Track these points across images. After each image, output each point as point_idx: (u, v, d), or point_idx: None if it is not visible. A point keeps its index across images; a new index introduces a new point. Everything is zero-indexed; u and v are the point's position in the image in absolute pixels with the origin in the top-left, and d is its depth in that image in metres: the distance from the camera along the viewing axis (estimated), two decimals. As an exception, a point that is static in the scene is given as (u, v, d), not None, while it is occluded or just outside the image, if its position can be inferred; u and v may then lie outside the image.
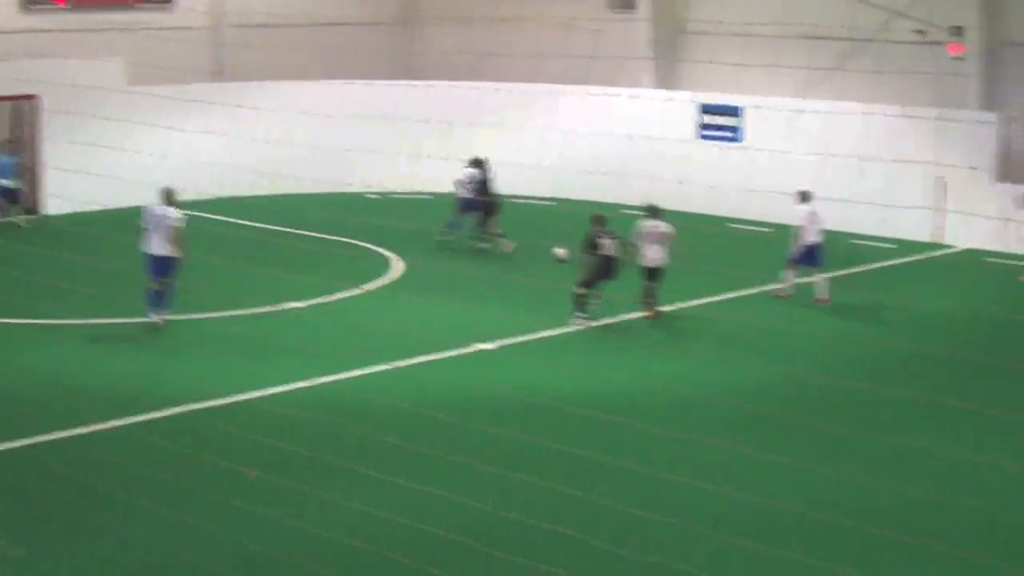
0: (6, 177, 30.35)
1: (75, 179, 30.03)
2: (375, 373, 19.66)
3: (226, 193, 32.20)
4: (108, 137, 30.57)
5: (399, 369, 19.88)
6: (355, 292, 24.74)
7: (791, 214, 25.01)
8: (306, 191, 32.85)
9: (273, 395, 18.49)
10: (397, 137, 33.86)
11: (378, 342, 21.20)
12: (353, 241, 28.84)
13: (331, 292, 24.31)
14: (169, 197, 22.32)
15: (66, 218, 30.81)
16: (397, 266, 26.93)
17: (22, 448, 16.25)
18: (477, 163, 28.96)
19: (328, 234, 29.25)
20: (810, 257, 24.39)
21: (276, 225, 30.29)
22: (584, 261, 22.62)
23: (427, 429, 17.01)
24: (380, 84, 34.46)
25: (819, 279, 24.31)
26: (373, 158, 32.62)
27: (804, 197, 24.76)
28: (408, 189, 34.45)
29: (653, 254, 23.06)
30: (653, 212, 23.57)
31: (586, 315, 22.42)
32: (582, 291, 22.51)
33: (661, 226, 23.28)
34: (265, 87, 34.35)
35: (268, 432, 16.64)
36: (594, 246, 22.58)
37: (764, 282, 24.97)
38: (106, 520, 14.06)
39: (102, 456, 15.92)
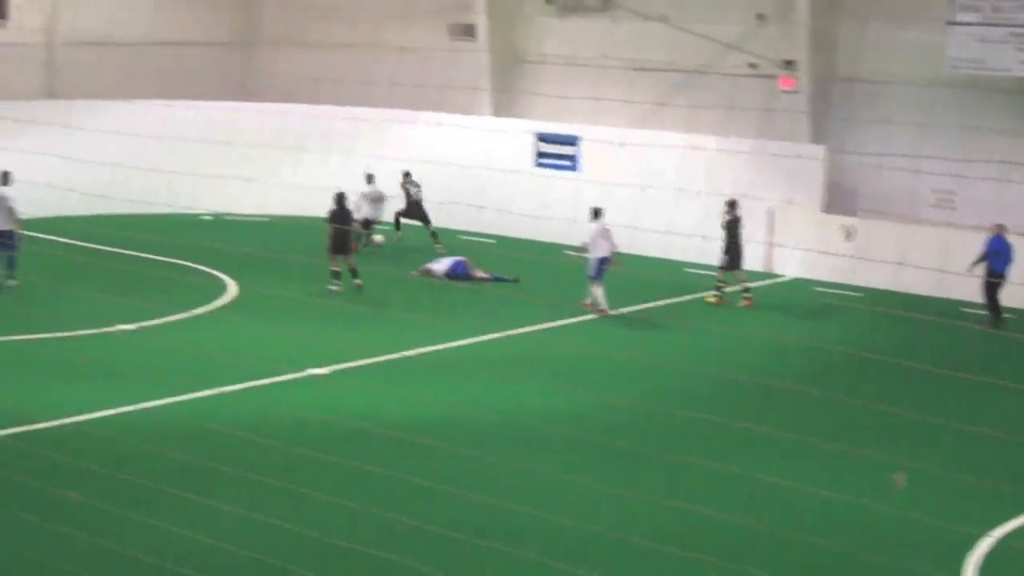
0: None
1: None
2: (204, 397, 19.68)
3: (58, 213, 31.78)
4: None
5: (228, 393, 19.91)
6: (188, 315, 24.65)
7: (584, 231, 26.42)
8: (139, 212, 32.57)
9: (98, 418, 18.38)
10: (230, 158, 33.71)
11: (209, 366, 21.18)
12: (187, 263, 28.69)
13: (163, 315, 24.19)
14: (5, 179, 26.15)
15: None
16: (232, 289, 26.87)
17: None
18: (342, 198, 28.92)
19: (162, 256, 29.04)
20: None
21: (108, 246, 29.99)
22: None
23: (250, 453, 17.08)
24: (212, 105, 34.34)
25: (597, 290, 25.91)
26: (206, 180, 32.45)
27: (596, 214, 26.37)
28: (242, 211, 34.32)
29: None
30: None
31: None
32: None
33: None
34: (97, 106, 34.01)
35: (91, 456, 16.53)
36: None
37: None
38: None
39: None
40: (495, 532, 14.76)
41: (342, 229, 26.77)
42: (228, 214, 34.04)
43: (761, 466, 17.08)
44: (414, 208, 31.62)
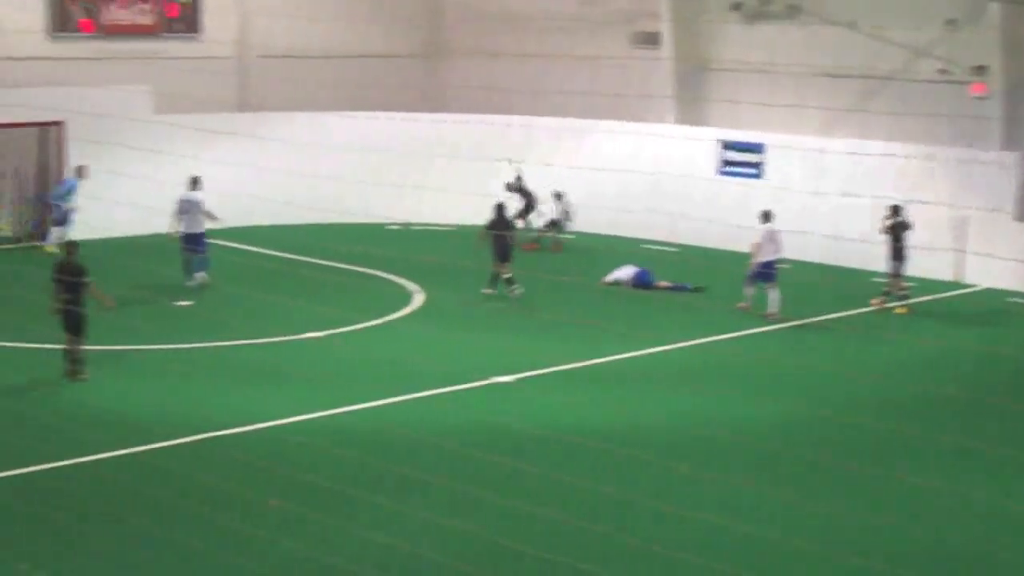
0: (63, 200, 30.81)
1: (98, 206, 30.34)
2: (391, 404, 19.83)
3: (248, 222, 32.48)
4: (132, 165, 30.86)
5: (416, 400, 20.04)
6: (375, 322, 24.93)
7: (752, 234, 26.21)
8: (328, 221, 33.14)
9: (289, 424, 18.67)
10: (419, 169, 34.11)
11: (396, 373, 21.37)
12: (374, 272, 29.09)
13: (351, 322, 24.51)
14: (195, 184, 27.65)
15: (88, 245, 31.01)
16: (418, 297, 27.13)
17: (40, 473, 16.44)
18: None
19: (349, 264, 29.49)
20: (765, 274, 25.81)
21: (298, 255, 30.52)
22: None
23: (443, 460, 17.14)
24: (402, 117, 34.75)
25: (772, 295, 25.64)
26: (395, 190, 32.90)
27: (766, 217, 26.24)
28: (429, 221, 34.67)
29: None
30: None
31: None
32: None
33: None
34: (288, 118, 34.66)
35: (284, 461, 16.81)
36: None
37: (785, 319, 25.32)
38: (124, 547, 14.24)
39: (119, 481, 16.10)
40: (691, 544, 14.52)
41: (502, 236, 26.97)
42: (414, 223, 34.39)
43: (967, 480, 16.69)
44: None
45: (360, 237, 31.59)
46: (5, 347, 22.47)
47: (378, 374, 21.45)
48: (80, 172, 31.09)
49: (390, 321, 25.24)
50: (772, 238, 25.92)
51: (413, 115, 35.28)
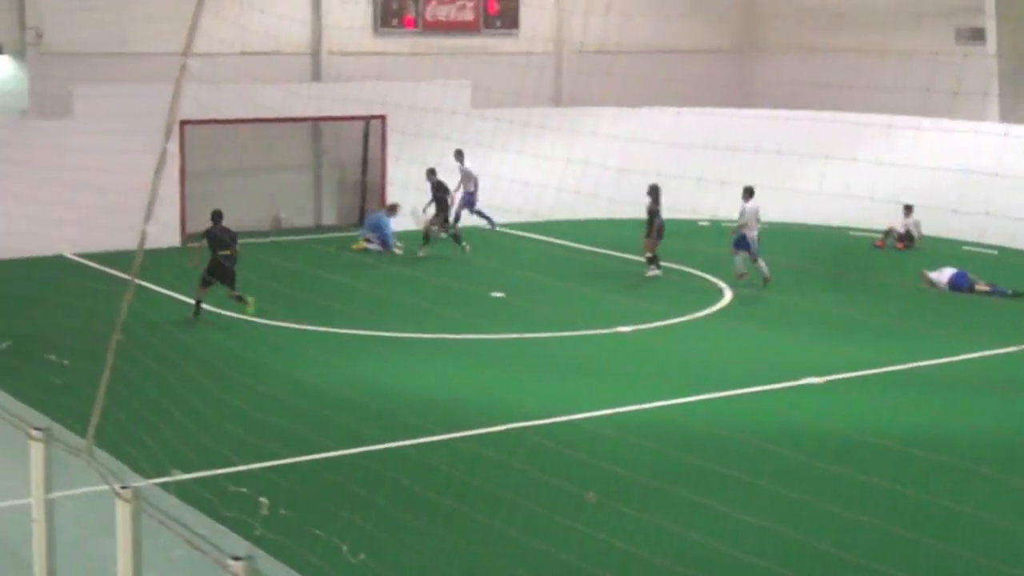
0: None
1: (416, 197, 31.13)
2: (700, 401, 19.68)
3: (557, 216, 32.79)
4: (448, 158, 31.52)
5: (724, 398, 19.82)
6: (684, 319, 24.83)
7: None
8: (639, 216, 33.12)
9: (597, 417, 18.72)
10: (729, 165, 33.73)
11: (705, 370, 21.18)
12: (684, 268, 28.98)
13: (660, 318, 24.47)
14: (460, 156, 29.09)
15: (403, 236, 31.87)
16: (728, 294, 26.93)
17: (364, 455, 16.91)
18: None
19: (661, 260, 29.43)
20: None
21: (608, 249, 30.67)
22: None
23: (759, 460, 16.84)
24: (711, 112, 34.50)
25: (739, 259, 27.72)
26: (704, 185, 32.60)
27: (750, 193, 28.49)
28: (735, 217, 34.05)
29: None
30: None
31: None
32: None
33: None
34: (601, 113, 34.81)
35: (592, 453, 16.82)
36: None
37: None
38: (441, 531, 14.47)
39: (437, 466, 16.37)
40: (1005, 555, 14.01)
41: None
42: (725, 221, 34.00)
43: None
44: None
45: (672, 233, 31.37)
46: (337, 332, 23.23)
47: (687, 370, 21.31)
48: (391, 211, 31.78)
49: (699, 318, 25.10)
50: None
51: (722, 110, 35.01)
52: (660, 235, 28.56)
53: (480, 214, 32.61)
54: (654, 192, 28.64)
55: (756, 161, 33.30)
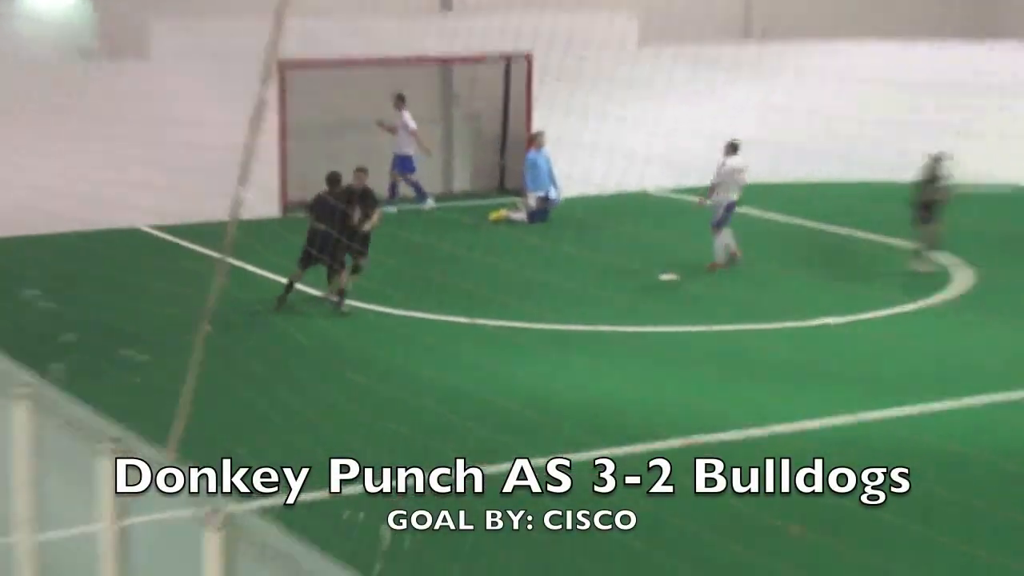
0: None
1: (569, 155, 31.12)
2: (927, 413, 19.41)
3: (755, 179, 32.55)
4: (610, 106, 31.41)
5: (957, 409, 19.58)
6: (906, 308, 24.58)
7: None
8: (854, 179, 32.80)
9: (799, 431, 18.60)
10: (970, 111, 33.17)
11: (932, 373, 21.00)
12: (907, 243, 28.54)
13: (877, 307, 24.22)
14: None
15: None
16: (963, 276, 26.59)
17: (509, 474, 16.92)
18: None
19: (876, 234, 29.13)
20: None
21: (814, 220, 30.41)
22: None
23: (999, 487, 16.55)
24: (943, 46, 34.09)
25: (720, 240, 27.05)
26: (938, 137, 32.13)
27: (733, 149, 27.53)
28: (989, 179, 33.34)
29: None
30: None
31: None
32: None
33: None
34: (804, 48, 34.57)
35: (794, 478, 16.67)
36: None
37: None
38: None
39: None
40: None
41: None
42: (969, 184, 33.01)
43: None
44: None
45: (893, 198, 30.80)
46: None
47: (908, 374, 21.01)
48: (534, 142, 32.05)
49: (924, 307, 24.82)
50: (737, 175, 27.27)
51: (956, 43, 34.55)
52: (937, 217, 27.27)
53: (415, 186, 32.75)
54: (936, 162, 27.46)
55: (1002, 106, 32.92)
